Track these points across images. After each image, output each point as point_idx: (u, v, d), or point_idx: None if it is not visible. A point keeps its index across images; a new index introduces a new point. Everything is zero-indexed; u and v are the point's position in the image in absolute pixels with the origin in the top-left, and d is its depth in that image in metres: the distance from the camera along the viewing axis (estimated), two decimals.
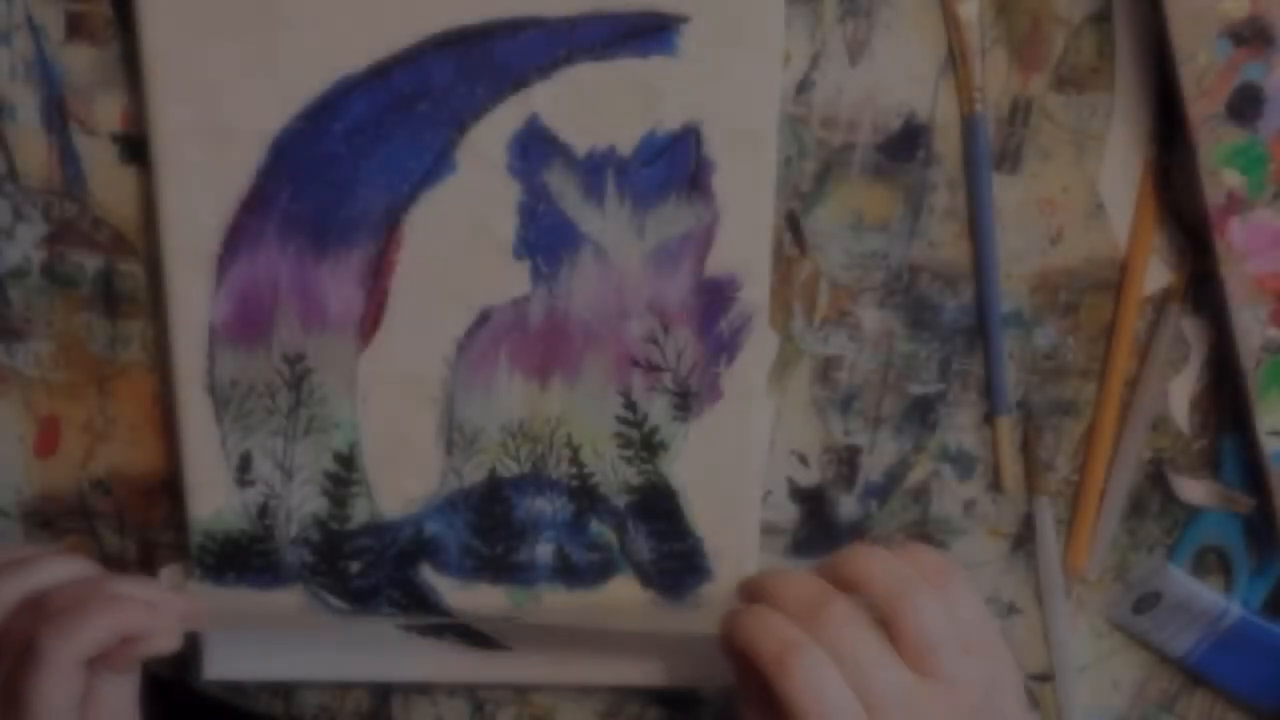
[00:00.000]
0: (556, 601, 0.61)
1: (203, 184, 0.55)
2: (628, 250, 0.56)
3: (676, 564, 0.60)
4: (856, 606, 0.51)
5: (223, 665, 0.63)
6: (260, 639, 0.63)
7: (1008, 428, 0.61)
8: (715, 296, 0.57)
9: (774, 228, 0.57)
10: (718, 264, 0.56)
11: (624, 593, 0.61)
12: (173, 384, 0.58)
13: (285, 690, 0.66)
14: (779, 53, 0.55)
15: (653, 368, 0.58)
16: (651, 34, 0.54)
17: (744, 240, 0.56)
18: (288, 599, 0.60)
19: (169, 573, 0.61)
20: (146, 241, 0.58)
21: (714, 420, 0.58)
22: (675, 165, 0.55)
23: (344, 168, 0.55)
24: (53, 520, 0.63)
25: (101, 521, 0.63)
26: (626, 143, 0.55)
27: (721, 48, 0.54)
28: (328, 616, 0.61)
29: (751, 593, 0.55)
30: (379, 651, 0.63)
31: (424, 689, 0.66)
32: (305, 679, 0.65)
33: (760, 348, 0.58)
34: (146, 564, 0.63)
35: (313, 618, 0.61)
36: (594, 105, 0.55)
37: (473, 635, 0.63)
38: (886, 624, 0.50)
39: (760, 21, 0.54)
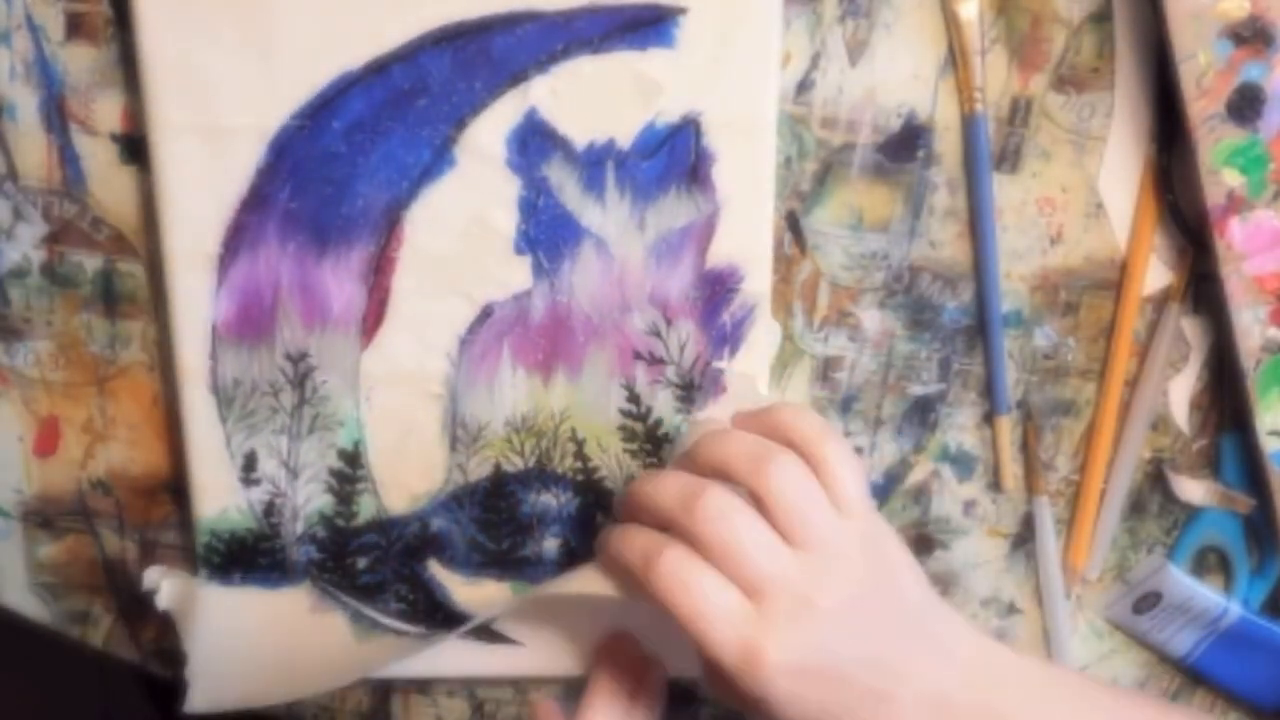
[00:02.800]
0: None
1: (203, 183, 0.55)
2: (629, 243, 0.56)
3: None
4: (728, 493, 0.49)
5: (208, 696, 0.61)
6: (247, 667, 0.61)
7: (1008, 428, 0.61)
8: (717, 288, 0.57)
9: (774, 221, 0.57)
10: (719, 255, 0.57)
11: None
12: (176, 384, 0.58)
13: None
14: (777, 41, 0.55)
15: (655, 360, 0.58)
16: (649, 26, 0.54)
17: (745, 231, 0.56)
18: (295, 598, 0.60)
19: (152, 573, 0.61)
20: (146, 241, 0.59)
21: (717, 412, 0.58)
22: (675, 157, 0.55)
23: (343, 165, 0.55)
24: (52, 520, 0.63)
25: (101, 521, 0.63)
26: (626, 135, 0.55)
27: (719, 38, 0.54)
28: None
29: (626, 506, 0.53)
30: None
31: (424, 689, 0.66)
32: (296, 700, 0.63)
33: (763, 339, 0.58)
34: (147, 564, 0.63)
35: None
36: (593, 98, 0.55)
37: (477, 630, 0.62)
38: (756, 503, 0.49)
39: (757, 11, 0.54)
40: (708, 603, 0.48)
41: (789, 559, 0.49)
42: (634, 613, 0.58)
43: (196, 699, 0.60)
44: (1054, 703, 0.53)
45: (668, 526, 0.50)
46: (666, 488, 0.51)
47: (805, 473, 0.50)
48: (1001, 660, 0.53)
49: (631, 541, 0.50)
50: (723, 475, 0.51)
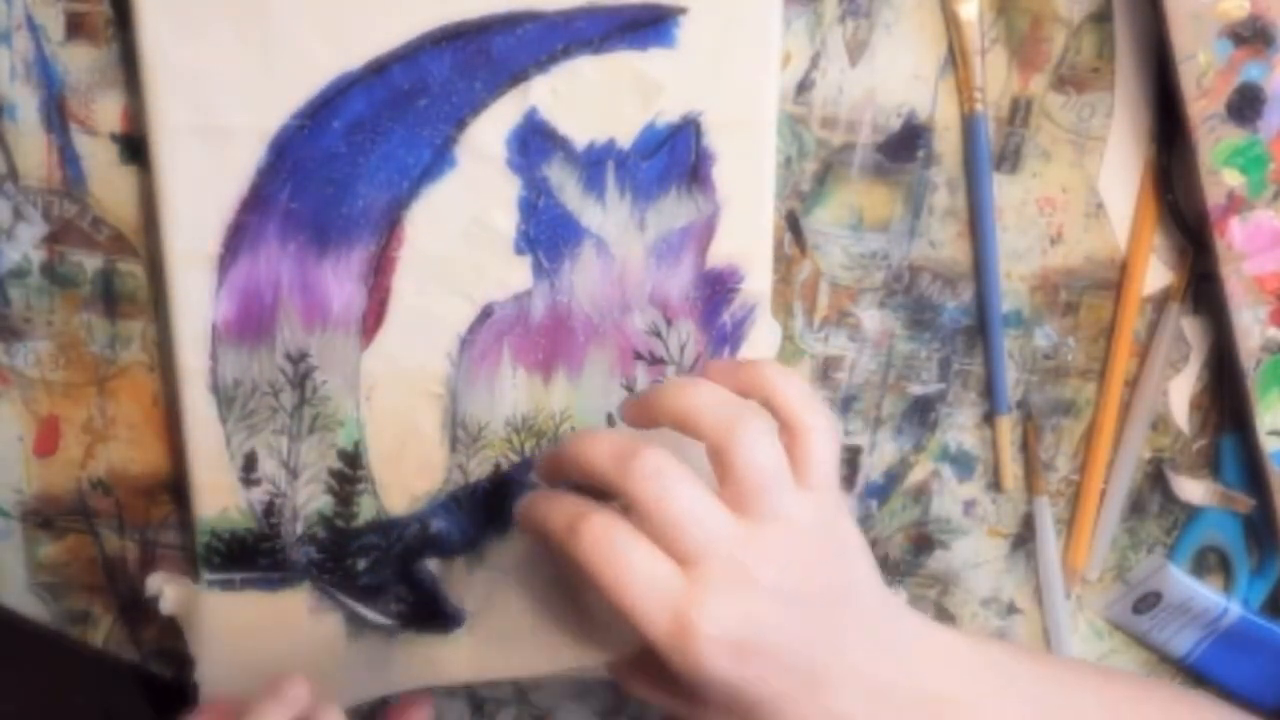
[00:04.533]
0: None
1: (203, 184, 0.55)
2: (629, 243, 0.56)
3: None
4: (666, 453, 0.45)
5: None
6: (252, 670, 0.60)
7: (1008, 428, 0.61)
8: (717, 288, 0.57)
9: (774, 221, 0.57)
10: (719, 255, 0.57)
11: None
12: (176, 384, 0.58)
13: None
14: (777, 41, 0.55)
15: (656, 360, 0.58)
16: (649, 26, 0.54)
17: (745, 231, 0.56)
18: (295, 599, 0.60)
19: (154, 580, 0.61)
20: (147, 241, 0.58)
21: None
22: (675, 157, 0.55)
23: (344, 165, 0.55)
24: (52, 520, 0.63)
25: (101, 521, 0.63)
26: (626, 135, 0.55)
27: (719, 38, 0.54)
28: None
29: (550, 466, 0.50)
30: (378, 666, 0.63)
31: (424, 689, 0.66)
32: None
33: (763, 339, 0.58)
34: (147, 564, 0.63)
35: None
36: (593, 98, 0.55)
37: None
38: (714, 461, 0.46)
39: (757, 10, 0.54)
40: (635, 571, 0.44)
41: (729, 526, 0.45)
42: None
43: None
44: (1000, 686, 0.50)
45: (599, 488, 0.47)
46: (599, 444, 0.47)
47: (774, 443, 0.46)
48: (946, 647, 0.50)
49: (557, 507, 0.47)
50: (683, 426, 0.47)
